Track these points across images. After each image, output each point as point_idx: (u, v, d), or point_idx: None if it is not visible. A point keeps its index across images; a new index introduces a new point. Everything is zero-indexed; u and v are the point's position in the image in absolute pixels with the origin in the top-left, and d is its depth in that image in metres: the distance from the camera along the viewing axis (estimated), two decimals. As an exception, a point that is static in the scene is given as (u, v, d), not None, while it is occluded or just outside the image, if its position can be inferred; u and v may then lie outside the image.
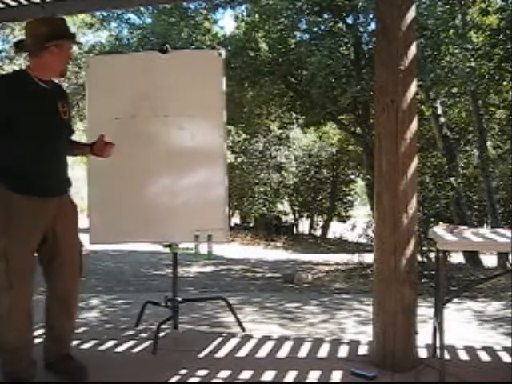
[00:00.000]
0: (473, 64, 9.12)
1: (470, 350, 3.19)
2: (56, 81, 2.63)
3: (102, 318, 4.50)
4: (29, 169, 2.39)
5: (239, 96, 12.07)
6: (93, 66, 3.20)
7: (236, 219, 23.80)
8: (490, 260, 10.03)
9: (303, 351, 3.16)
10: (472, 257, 9.72)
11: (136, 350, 3.20)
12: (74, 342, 3.28)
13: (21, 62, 12.79)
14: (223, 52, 3.42)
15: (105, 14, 11.84)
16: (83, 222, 3.44)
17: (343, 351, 3.16)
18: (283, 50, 10.79)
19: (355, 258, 10.36)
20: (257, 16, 11.44)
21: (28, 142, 2.36)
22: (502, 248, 2.77)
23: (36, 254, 2.51)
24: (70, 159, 2.75)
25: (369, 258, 9.29)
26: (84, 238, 3.24)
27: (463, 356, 3.08)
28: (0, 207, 2.35)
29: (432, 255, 7.81)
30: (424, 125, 11.59)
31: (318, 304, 5.52)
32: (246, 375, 2.77)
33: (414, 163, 2.82)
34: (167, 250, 3.51)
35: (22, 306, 2.41)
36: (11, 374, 2.44)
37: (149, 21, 12.34)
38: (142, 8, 11.67)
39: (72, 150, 2.77)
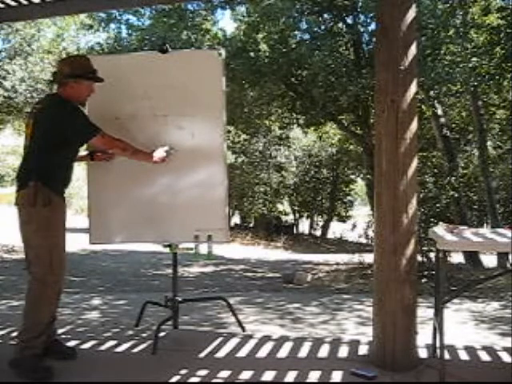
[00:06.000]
0: (473, 62, 9.12)
1: (470, 349, 3.19)
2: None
3: (102, 318, 4.50)
4: (64, 174, 2.91)
5: (239, 96, 12.06)
6: (93, 66, 3.20)
7: (236, 219, 23.82)
8: (490, 260, 10.03)
9: (303, 351, 3.16)
10: (472, 257, 9.72)
11: (136, 350, 3.20)
12: (74, 342, 3.30)
13: (21, 63, 12.78)
14: (223, 52, 3.42)
15: (103, 15, 11.81)
16: (83, 222, 3.45)
17: (343, 351, 3.16)
18: (284, 50, 10.78)
19: (355, 258, 10.37)
20: (257, 16, 11.43)
21: (67, 154, 2.91)
22: (501, 248, 2.77)
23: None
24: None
25: (369, 258, 9.29)
26: (84, 238, 3.25)
27: (463, 356, 3.08)
28: (49, 205, 2.76)
29: (432, 255, 7.81)
30: (424, 125, 11.59)
31: (318, 304, 5.51)
32: (246, 375, 2.77)
33: (414, 163, 2.82)
34: (167, 250, 3.51)
35: (59, 288, 2.85)
36: (30, 349, 2.73)
37: (148, 22, 12.32)
38: (141, 9, 11.65)
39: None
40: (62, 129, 2.78)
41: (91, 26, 12.29)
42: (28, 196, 2.74)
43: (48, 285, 2.76)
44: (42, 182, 2.75)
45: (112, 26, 12.30)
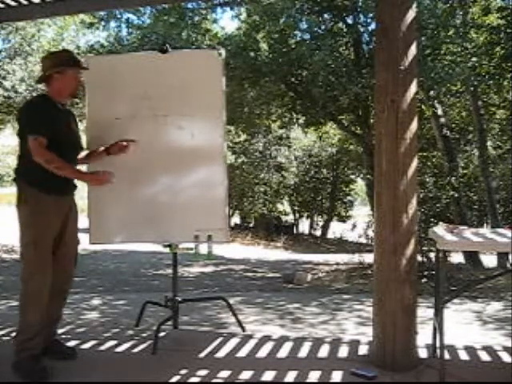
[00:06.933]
0: (473, 62, 9.12)
1: (469, 350, 3.19)
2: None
3: (103, 318, 4.50)
4: (54, 174, 2.78)
5: (239, 96, 12.05)
6: (92, 66, 3.20)
7: (236, 219, 23.81)
8: (490, 260, 10.03)
9: (303, 351, 3.17)
10: (472, 257, 9.71)
11: (136, 350, 3.21)
12: (74, 342, 3.30)
13: (21, 62, 12.78)
14: (223, 52, 3.42)
15: (103, 13, 11.78)
16: (83, 222, 3.45)
17: (343, 351, 3.17)
18: (284, 49, 10.77)
19: (355, 258, 10.36)
20: (257, 16, 11.42)
21: (55, 153, 2.77)
22: (501, 248, 2.77)
23: None
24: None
25: (369, 258, 9.28)
26: (84, 237, 3.25)
27: (463, 356, 3.08)
28: (30, 204, 2.76)
29: (432, 255, 7.81)
30: (424, 125, 11.59)
31: (318, 304, 5.51)
32: (246, 375, 2.78)
33: (414, 163, 2.82)
34: (167, 250, 3.51)
35: (47, 286, 2.76)
36: (26, 351, 2.73)
37: (148, 21, 12.32)
38: (141, 8, 11.64)
39: (88, 158, 3.21)
40: (21, 126, 2.83)
41: (92, 24, 12.27)
42: (16, 196, 2.82)
43: (34, 284, 2.73)
44: (24, 181, 2.80)
45: (112, 24, 12.29)
